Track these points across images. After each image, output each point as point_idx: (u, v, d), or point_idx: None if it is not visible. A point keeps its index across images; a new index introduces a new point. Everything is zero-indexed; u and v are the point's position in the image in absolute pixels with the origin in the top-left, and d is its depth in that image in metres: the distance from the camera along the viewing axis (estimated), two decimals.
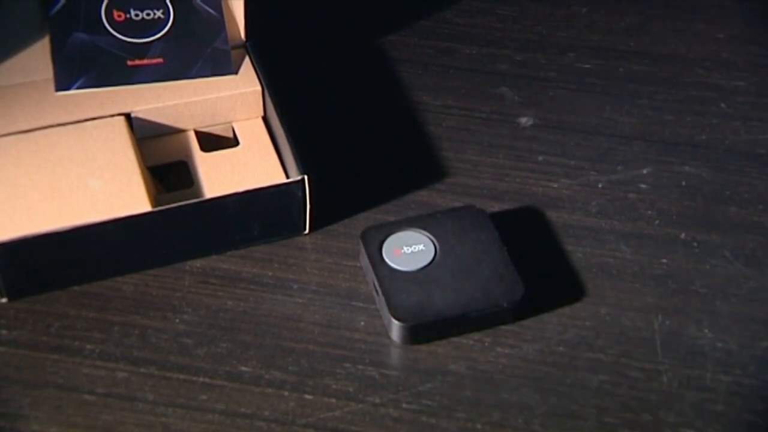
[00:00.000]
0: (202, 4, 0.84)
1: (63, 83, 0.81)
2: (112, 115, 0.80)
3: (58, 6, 0.83)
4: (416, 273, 0.74)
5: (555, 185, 0.84)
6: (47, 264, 0.73)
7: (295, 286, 0.76)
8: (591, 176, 0.85)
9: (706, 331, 0.75)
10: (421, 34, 0.97)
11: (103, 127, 0.79)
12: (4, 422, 0.68)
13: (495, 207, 0.82)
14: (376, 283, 0.74)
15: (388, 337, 0.73)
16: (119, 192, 0.75)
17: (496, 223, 0.77)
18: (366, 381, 0.71)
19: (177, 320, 0.74)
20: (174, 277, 0.76)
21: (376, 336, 0.73)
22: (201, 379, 0.71)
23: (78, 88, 0.81)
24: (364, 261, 0.76)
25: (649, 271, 0.78)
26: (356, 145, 0.87)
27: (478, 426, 0.69)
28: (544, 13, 1.00)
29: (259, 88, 0.83)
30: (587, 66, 0.95)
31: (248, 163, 0.80)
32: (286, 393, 0.70)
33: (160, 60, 0.83)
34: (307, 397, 0.70)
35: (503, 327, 0.74)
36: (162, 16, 0.84)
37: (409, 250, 0.75)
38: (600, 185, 0.84)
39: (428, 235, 0.76)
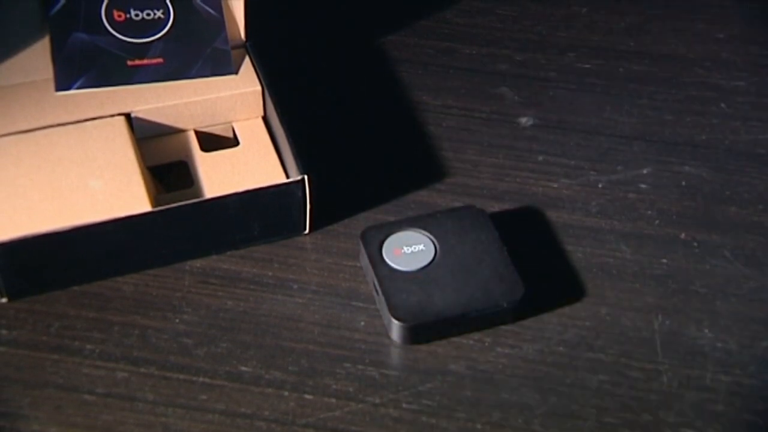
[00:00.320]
0: (202, 4, 0.84)
1: (63, 83, 0.81)
2: (112, 115, 0.80)
3: (58, 6, 0.83)
4: (416, 273, 0.74)
5: (555, 185, 0.84)
6: (47, 264, 0.73)
7: (295, 286, 0.76)
8: (591, 176, 0.85)
9: (706, 331, 0.75)
10: (421, 34, 0.97)
11: (103, 127, 0.79)
12: (4, 422, 0.68)
13: (495, 207, 0.82)
14: (376, 283, 0.74)
15: (388, 337, 0.73)
16: (119, 192, 0.75)
17: (496, 223, 0.77)
18: (366, 381, 0.71)
19: (177, 320, 0.74)
20: (174, 277, 0.76)
21: (376, 336, 0.73)
22: (201, 379, 0.71)
23: (78, 88, 0.81)
24: (364, 261, 0.76)
25: (649, 271, 0.78)
26: (356, 145, 0.87)
27: (478, 426, 0.69)
28: (544, 13, 1.00)
29: (259, 88, 0.83)
30: (587, 66, 0.95)
31: (248, 163, 0.80)
32: (286, 393, 0.70)
33: (160, 60, 0.83)
34: (307, 397, 0.70)
35: (503, 327, 0.74)
36: (162, 16, 0.84)
37: (409, 250, 0.75)
38: (600, 185, 0.84)
39: (428, 235, 0.76)
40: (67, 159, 0.77)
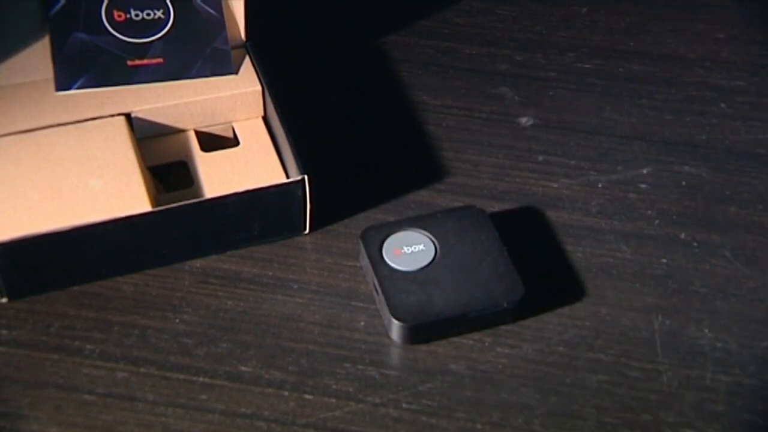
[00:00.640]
0: (202, 4, 0.84)
1: (63, 83, 0.81)
2: (112, 115, 0.80)
3: (58, 6, 0.83)
4: (416, 273, 0.74)
5: (555, 185, 0.84)
6: (47, 264, 0.73)
7: (295, 286, 0.76)
8: (591, 176, 0.85)
9: (706, 331, 0.75)
10: (421, 34, 0.97)
11: (103, 127, 0.79)
12: (4, 422, 0.68)
13: (495, 207, 0.82)
14: (376, 283, 0.74)
15: (388, 337, 0.73)
16: (119, 192, 0.75)
17: (496, 223, 0.77)
18: (366, 381, 0.71)
19: (177, 320, 0.74)
20: (174, 277, 0.76)
21: (376, 336, 0.73)
22: (201, 379, 0.71)
23: (78, 88, 0.81)
24: (364, 261, 0.76)
25: (649, 271, 0.78)
26: (356, 145, 0.87)
27: (478, 426, 0.69)
28: (544, 13, 1.00)
29: (259, 88, 0.83)
30: (587, 66, 0.95)
31: (248, 163, 0.80)
32: (286, 393, 0.70)
33: (160, 60, 0.83)
34: (307, 397, 0.70)
35: (503, 327, 0.74)
36: (162, 16, 0.84)
37: (409, 250, 0.75)
38: (600, 185, 0.84)
39: (428, 235, 0.76)
40: (67, 159, 0.77)
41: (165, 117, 0.81)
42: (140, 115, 0.81)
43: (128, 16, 0.83)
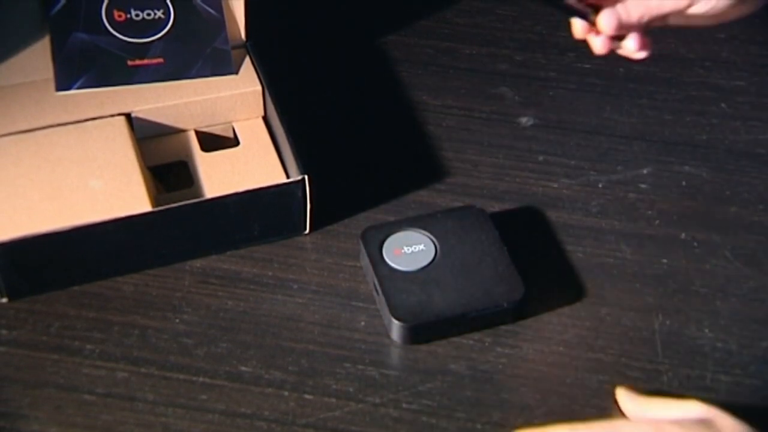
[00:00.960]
0: (202, 4, 0.84)
1: (63, 83, 0.81)
2: (112, 115, 0.80)
3: (58, 6, 0.83)
4: (416, 273, 0.74)
5: (555, 185, 0.84)
6: (47, 264, 0.73)
7: (295, 286, 0.76)
8: (591, 176, 0.85)
9: (706, 331, 0.75)
10: (421, 34, 0.97)
11: (104, 127, 0.79)
12: (4, 422, 0.68)
13: (495, 207, 0.82)
14: (376, 283, 0.74)
15: (388, 337, 0.73)
16: (119, 192, 0.75)
17: (496, 223, 0.77)
18: (366, 381, 0.71)
19: (177, 320, 0.74)
20: (174, 277, 0.76)
21: (376, 336, 0.73)
22: (201, 379, 0.71)
23: (78, 88, 0.81)
24: (365, 261, 0.76)
25: (649, 271, 0.78)
26: (356, 145, 0.87)
27: (478, 426, 0.69)
28: (544, 13, 1.00)
29: (259, 88, 0.83)
30: (587, 66, 0.95)
31: (248, 163, 0.80)
32: (286, 393, 0.70)
33: (160, 60, 0.83)
34: (307, 397, 0.70)
35: (503, 327, 0.74)
36: (162, 16, 0.84)
37: (410, 250, 0.75)
38: (600, 185, 0.84)
39: (428, 235, 0.76)
40: (67, 159, 0.77)
41: (165, 117, 0.81)
42: (140, 115, 0.81)
43: (128, 16, 0.83)
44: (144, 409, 0.69)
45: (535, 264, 0.77)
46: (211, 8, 0.85)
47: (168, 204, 0.74)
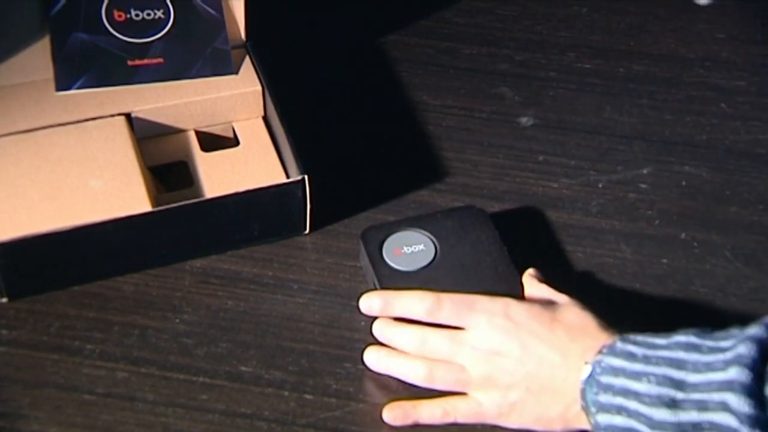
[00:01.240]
0: (202, 4, 0.84)
1: (63, 83, 0.81)
2: (113, 115, 0.80)
3: (58, 6, 0.83)
4: (416, 273, 0.74)
5: (555, 185, 0.84)
6: (47, 264, 0.73)
7: (295, 286, 0.76)
8: (591, 176, 0.85)
9: None
10: (421, 34, 0.97)
11: (104, 127, 0.79)
12: (4, 422, 0.68)
13: (495, 207, 0.82)
14: (376, 283, 0.74)
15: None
16: (119, 192, 0.75)
17: (496, 223, 0.77)
18: (366, 381, 0.71)
19: (177, 320, 0.74)
20: (174, 277, 0.76)
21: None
22: (201, 379, 0.71)
23: (78, 88, 0.81)
24: (364, 261, 0.76)
25: (649, 271, 0.78)
26: (356, 145, 0.87)
27: (478, 426, 0.69)
28: (544, 13, 1.00)
29: (259, 88, 0.83)
30: (587, 66, 0.95)
31: (248, 163, 0.80)
32: (286, 393, 0.70)
33: (160, 60, 0.83)
34: (307, 397, 0.70)
35: None
36: (162, 16, 0.84)
37: (410, 250, 0.75)
38: (600, 185, 0.84)
39: (428, 235, 0.76)
40: (67, 159, 0.77)
41: (165, 117, 0.81)
42: (140, 115, 0.81)
43: (128, 16, 0.83)
44: (144, 409, 0.69)
45: (534, 264, 0.77)
46: (211, 8, 0.85)
47: (168, 204, 0.74)
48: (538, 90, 0.92)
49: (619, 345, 0.64)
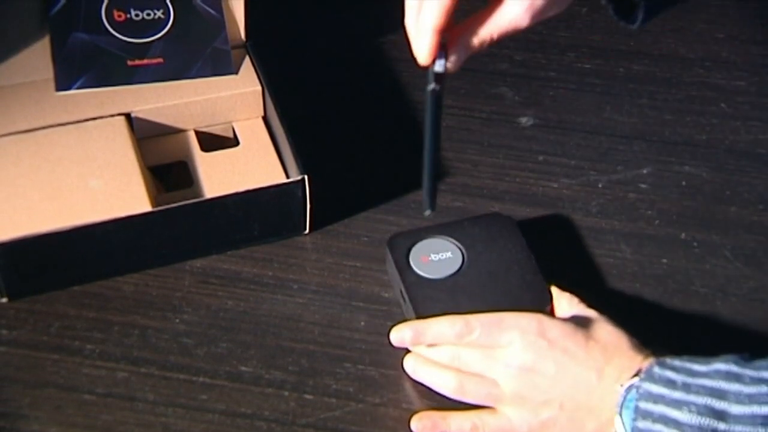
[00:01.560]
0: (202, 4, 0.84)
1: (63, 83, 0.81)
2: (112, 115, 0.80)
3: (58, 6, 0.83)
4: (444, 281, 0.73)
5: (555, 185, 0.84)
6: (47, 264, 0.73)
7: (295, 286, 0.76)
8: (591, 176, 0.85)
9: (706, 331, 0.74)
10: None
11: (103, 127, 0.79)
12: (4, 422, 0.68)
13: (495, 207, 0.82)
14: (403, 291, 0.73)
15: (388, 337, 0.73)
16: (119, 192, 0.75)
17: (523, 230, 0.76)
18: (366, 381, 0.71)
19: (177, 320, 0.74)
20: (174, 277, 0.76)
21: (376, 336, 0.73)
22: (201, 379, 0.71)
23: (78, 88, 0.81)
24: (391, 268, 0.75)
25: (649, 271, 0.78)
26: (356, 144, 0.87)
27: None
28: None
29: (259, 88, 0.83)
30: (587, 66, 0.95)
31: (248, 163, 0.80)
32: (286, 393, 0.70)
33: (160, 60, 0.83)
34: (307, 397, 0.70)
35: None
36: (162, 16, 0.84)
37: (437, 257, 0.74)
38: (600, 185, 0.84)
39: (455, 242, 0.75)
40: (67, 159, 0.77)
41: (165, 117, 0.81)
42: (140, 115, 0.81)
43: (128, 16, 0.83)
44: (144, 409, 0.69)
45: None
46: (211, 8, 0.85)
47: (168, 204, 0.74)
48: (538, 90, 0.92)
49: (657, 371, 0.63)
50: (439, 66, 0.64)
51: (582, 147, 0.87)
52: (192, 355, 0.72)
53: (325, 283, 0.77)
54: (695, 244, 0.80)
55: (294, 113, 0.81)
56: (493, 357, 0.68)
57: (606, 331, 0.68)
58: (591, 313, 0.70)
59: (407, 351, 0.72)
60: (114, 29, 0.83)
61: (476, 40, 0.65)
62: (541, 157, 0.86)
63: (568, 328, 0.68)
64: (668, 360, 0.64)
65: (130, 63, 0.82)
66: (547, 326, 0.68)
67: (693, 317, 0.75)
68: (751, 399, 0.60)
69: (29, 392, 0.69)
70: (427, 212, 0.68)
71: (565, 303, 0.72)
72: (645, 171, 0.86)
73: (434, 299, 0.72)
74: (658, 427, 0.61)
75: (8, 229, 0.72)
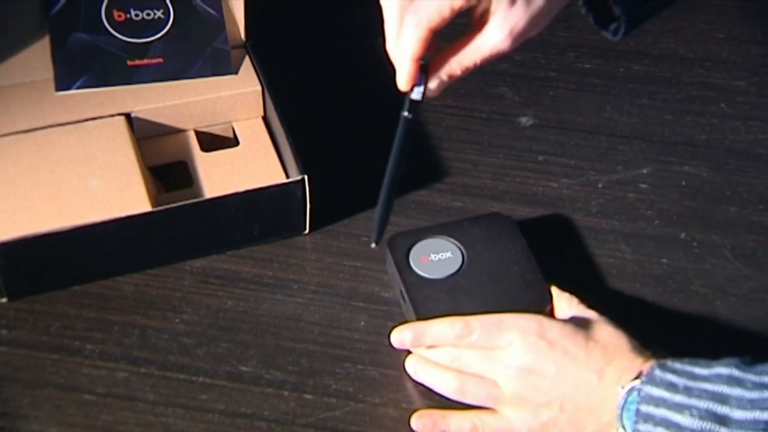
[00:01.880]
0: (202, 4, 0.84)
1: (63, 83, 0.81)
2: (112, 115, 0.80)
3: (58, 6, 0.83)
4: (444, 280, 0.73)
5: (555, 185, 0.84)
6: (47, 264, 0.73)
7: (295, 286, 0.76)
8: (591, 176, 0.85)
9: (706, 330, 0.74)
10: None
11: (103, 127, 0.79)
12: (4, 422, 0.68)
13: (495, 207, 0.82)
14: (403, 291, 0.73)
15: (388, 337, 0.73)
16: (119, 192, 0.75)
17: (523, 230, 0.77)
18: (366, 381, 0.71)
19: (177, 320, 0.74)
20: (174, 277, 0.76)
21: (376, 336, 0.73)
22: (201, 379, 0.71)
23: (78, 88, 0.81)
24: (391, 268, 0.75)
25: (649, 271, 0.78)
26: (356, 144, 0.87)
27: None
28: None
29: (259, 88, 0.83)
30: (587, 66, 0.95)
31: (248, 163, 0.80)
32: (286, 393, 0.70)
33: (160, 60, 0.83)
34: (307, 397, 0.70)
35: None
36: (162, 16, 0.84)
37: (437, 257, 0.74)
38: (600, 185, 0.84)
39: (455, 242, 0.75)
40: (67, 159, 0.77)
41: (165, 117, 0.81)
42: (140, 115, 0.81)
43: (128, 16, 0.83)
44: (144, 409, 0.69)
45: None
46: (211, 8, 0.85)
47: (168, 204, 0.74)
48: (538, 90, 0.92)
49: (658, 373, 0.63)
50: (416, 94, 0.65)
51: (582, 147, 0.87)
52: (192, 355, 0.72)
53: (325, 283, 0.77)
54: (695, 244, 0.80)
55: (294, 113, 0.81)
56: (493, 358, 0.68)
57: (606, 332, 0.68)
58: (591, 313, 0.70)
59: (408, 352, 0.72)
60: (114, 29, 0.83)
61: (458, 67, 0.67)
62: (541, 157, 0.86)
63: (569, 329, 0.68)
64: (669, 363, 0.64)
65: (130, 63, 0.82)
66: (547, 327, 0.68)
67: (693, 317, 0.75)
68: (753, 404, 0.60)
69: (29, 392, 0.69)
70: (373, 245, 0.68)
71: (564, 303, 0.72)
72: (645, 171, 0.86)
73: (434, 299, 0.72)
74: (659, 430, 0.61)
75: (8, 229, 0.72)
